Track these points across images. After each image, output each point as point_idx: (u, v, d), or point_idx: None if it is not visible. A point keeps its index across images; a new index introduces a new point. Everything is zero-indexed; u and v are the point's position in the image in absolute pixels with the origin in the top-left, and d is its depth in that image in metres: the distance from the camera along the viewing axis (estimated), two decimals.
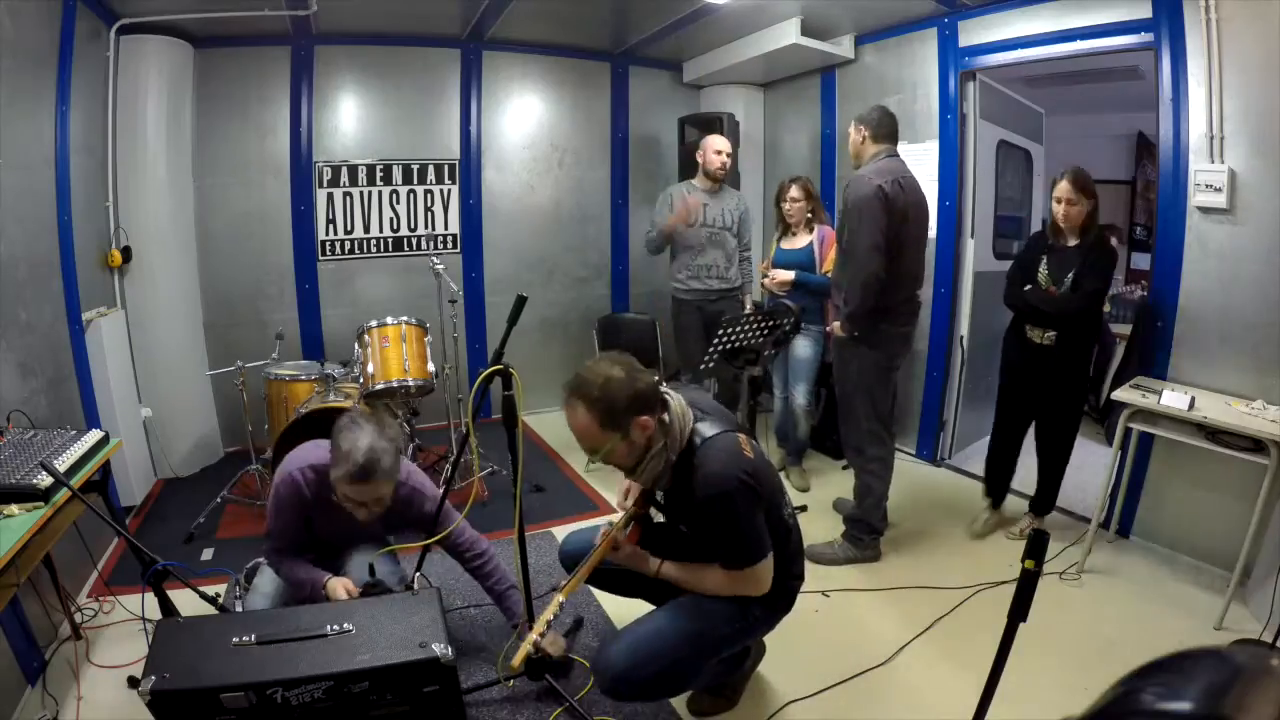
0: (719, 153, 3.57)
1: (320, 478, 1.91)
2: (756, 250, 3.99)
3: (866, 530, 2.85)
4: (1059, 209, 2.69)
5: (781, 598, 1.87)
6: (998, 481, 3.12)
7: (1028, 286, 2.81)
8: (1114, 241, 3.14)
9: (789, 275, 3.41)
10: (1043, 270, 2.79)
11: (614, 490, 3.46)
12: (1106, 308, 3.67)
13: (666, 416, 1.67)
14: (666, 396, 1.71)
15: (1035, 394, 2.90)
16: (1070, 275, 2.68)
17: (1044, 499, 3.01)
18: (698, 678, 1.85)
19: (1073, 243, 2.72)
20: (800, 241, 3.50)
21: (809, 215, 3.48)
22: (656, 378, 1.73)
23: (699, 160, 3.64)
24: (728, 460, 1.64)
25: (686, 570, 1.80)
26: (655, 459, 1.67)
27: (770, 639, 2.10)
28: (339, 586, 1.91)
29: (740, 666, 2.07)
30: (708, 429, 1.70)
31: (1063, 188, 2.66)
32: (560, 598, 1.71)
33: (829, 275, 3.41)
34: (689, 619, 1.75)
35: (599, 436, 1.62)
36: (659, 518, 2.01)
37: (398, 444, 1.88)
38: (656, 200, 3.82)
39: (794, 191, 3.45)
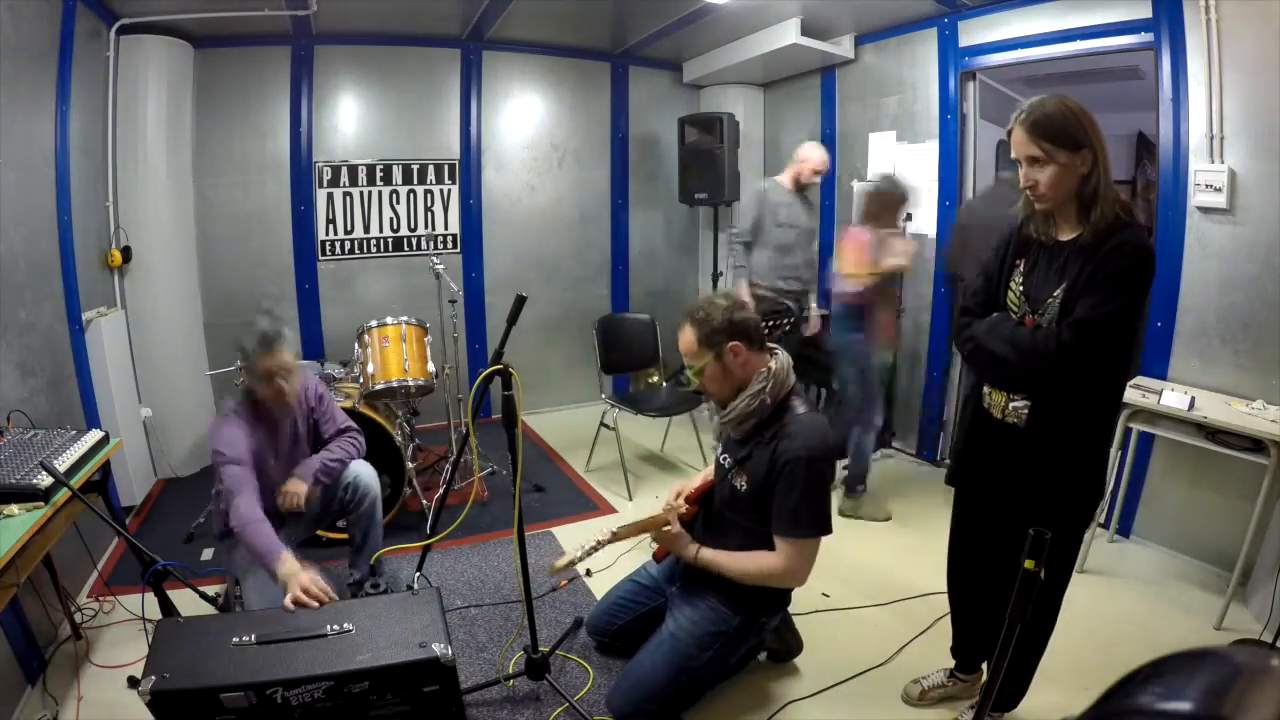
0: (816, 172, 3.50)
1: (243, 404, 2.20)
2: None
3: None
4: (1020, 175, 1.58)
5: (773, 600, 1.98)
6: (966, 638, 2.02)
7: (994, 316, 1.68)
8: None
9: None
10: (1015, 284, 1.65)
11: (614, 491, 3.49)
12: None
13: (773, 365, 1.85)
14: (775, 351, 1.89)
15: (996, 508, 1.75)
16: (1058, 291, 1.54)
17: (1008, 688, 1.81)
18: (700, 694, 1.99)
19: (1066, 236, 1.57)
20: None
21: None
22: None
23: (792, 169, 3.53)
24: (820, 431, 1.81)
25: (725, 556, 1.90)
26: (750, 399, 1.82)
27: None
28: (296, 584, 1.70)
29: (745, 665, 2.12)
30: (800, 406, 1.86)
31: (1016, 138, 1.54)
32: (610, 530, 1.94)
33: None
34: (670, 655, 1.91)
35: (697, 353, 1.85)
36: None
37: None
38: (743, 195, 4.02)
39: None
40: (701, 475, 2.16)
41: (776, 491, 1.79)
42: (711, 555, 1.92)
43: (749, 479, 1.87)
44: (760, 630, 2.02)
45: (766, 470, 1.81)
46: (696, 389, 1.97)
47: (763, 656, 2.22)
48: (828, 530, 1.83)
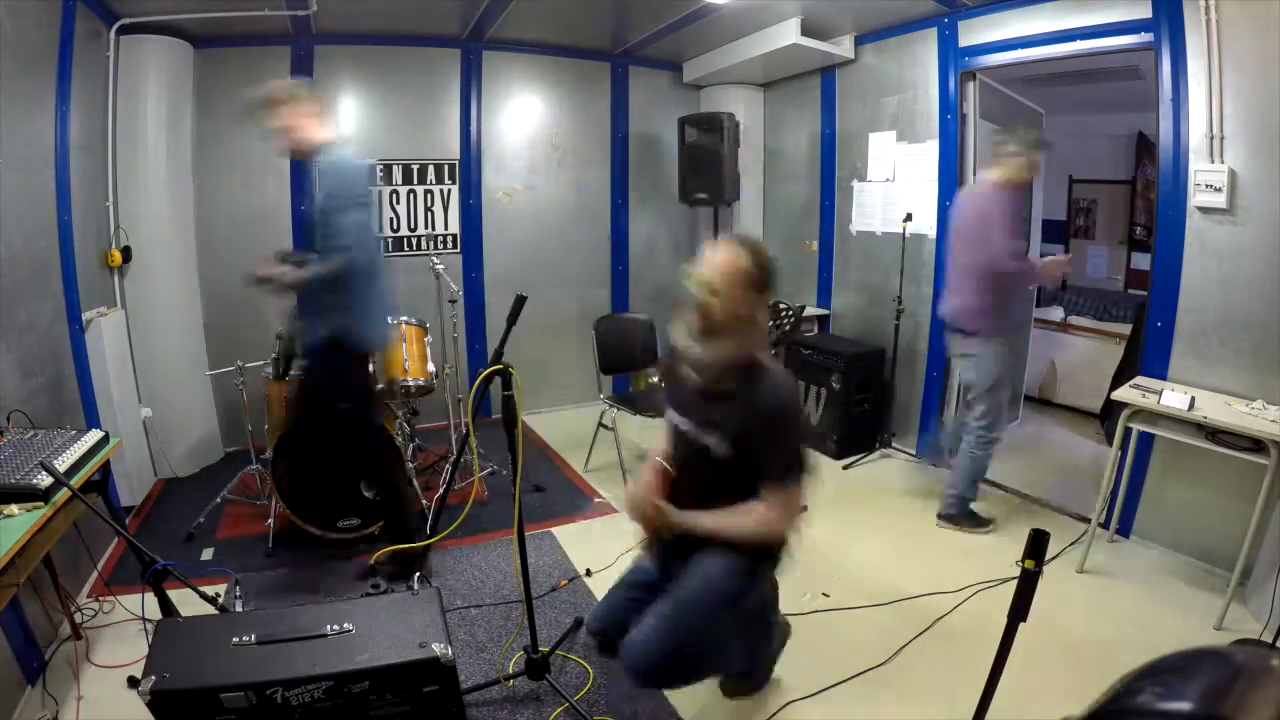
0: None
1: None
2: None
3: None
4: None
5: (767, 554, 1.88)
6: None
7: None
8: None
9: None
10: None
11: (613, 491, 3.49)
12: None
13: (760, 319, 1.86)
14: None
15: None
16: None
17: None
18: (720, 658, 1.88)
19: None
20: None
21: None
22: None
23: None
24: (793, 382, 1.85)
25: (709, 515, 1.81)
26: (731, 338, 1.76)
27: None
28: None
29: (763, 651, 2.09)
30: (767, 362, 1.84)
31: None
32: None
33: None
34: (689, 597, 1.78)
35: (732, 276, 1.76)
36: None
37: None
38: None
39: None
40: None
41: (766, 441, 1.74)
42: (694, 517, 1.82)
43: (727, 438, 1.79)
44: (766, 577, 1.95)
45: (746, 424, 1.75)
46: (697, 298, 1.80)
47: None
48: (808, 470, 1.81)
